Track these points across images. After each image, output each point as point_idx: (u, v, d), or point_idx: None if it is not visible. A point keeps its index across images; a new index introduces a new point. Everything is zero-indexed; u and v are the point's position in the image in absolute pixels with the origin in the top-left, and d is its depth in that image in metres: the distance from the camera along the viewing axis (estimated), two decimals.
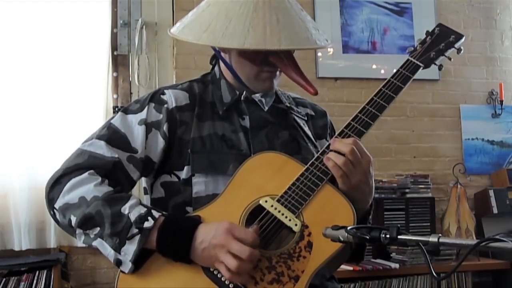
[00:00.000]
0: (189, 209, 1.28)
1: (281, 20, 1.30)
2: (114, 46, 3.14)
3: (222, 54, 1.38)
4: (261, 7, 1.29)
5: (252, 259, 1.12)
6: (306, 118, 1.48)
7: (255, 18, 1.28)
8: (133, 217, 1.16)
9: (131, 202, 1.19)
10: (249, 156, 1.29)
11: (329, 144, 1.26)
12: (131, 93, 3.13)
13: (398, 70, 1.33)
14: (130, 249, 1.16)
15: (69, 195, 1.20)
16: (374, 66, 3.45)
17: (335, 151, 1.23)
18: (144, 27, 3.15)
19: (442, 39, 1.36)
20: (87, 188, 1.20)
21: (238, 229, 1.15)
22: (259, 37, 1.26)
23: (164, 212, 1.20)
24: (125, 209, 1.17)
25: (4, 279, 2.57)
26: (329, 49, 3.39)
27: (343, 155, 1.21)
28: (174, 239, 1.16)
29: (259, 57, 1.32)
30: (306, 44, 1.34)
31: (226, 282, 1.15)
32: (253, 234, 1.14)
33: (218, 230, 1.14)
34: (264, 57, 1.32)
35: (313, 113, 1.51)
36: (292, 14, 1.33)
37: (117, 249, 1.16)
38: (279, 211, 1.20)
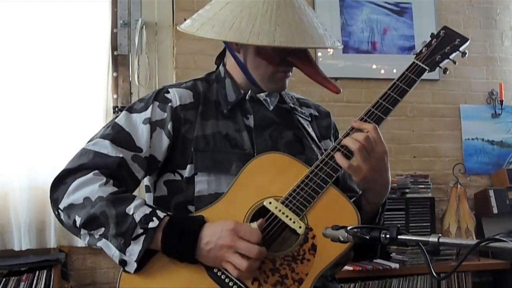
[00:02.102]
0: (191, 207, 1.28)
1: (303, 20, 1.32)
2: (114, 46, 3.14)
3: (236, 53, 1.38)
4: (283, 6, 1.30)
5: (259, 257, 1.13)
6: (309, 119, 1.48)
7: (280, 16, 1.29)
8: (138, 217, 1.16)
9: (136, 202, 1.19)
10: (252, 156, 1.29)
11: (338, 142, 1.26)
12: (131, 93, 3.13)
13: (404, 73, 1.33)
14: (135, 249, 1.15)
15: (73, 196, 1.20)
16: (374, 66, 3.45)
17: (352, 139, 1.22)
18: (144, 27, 3.15)
19: (447, 42, 1.36)
20: (92, 189, 1.19)
21: (243, 228, 1.15)
22: (287, 35, 1.27)
23: (169, 213, 1.20)
24: (130, 209, 1.17)
25: (4, 279, 2.57)
26: (329, 49, 3.39)
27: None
28: (179, 239, 1.16)
29: (277, 56, 1.33)
30: (327, 44, 1.35)
31: (229, 283, 1.16)
32: (258, 232, 1.14)
33: (224, 230, 1.14)
34: (282, 57, 1.33)
35: (316, 114, 1.51)
36: (310, 14, 1.35)
37: (122, 249, 1.16)
38: (283, 213, 1.20)
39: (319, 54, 3.36)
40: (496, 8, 3.72)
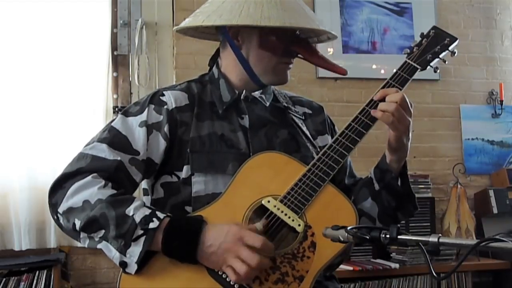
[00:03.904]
0: (188, 208, 1.29)
1: (304, 9, 1.36)
2: (114, 46, 3.13)
3: (237, 48, 1.38)
4: None
5: (259, 267, 1.13)
6: (303, 117, 1.49)
7: (284, 3, 1.33)
8: (138, 218, 1.16)
9: (135, 204, 1.19)
10: (248, 155, 1.30)
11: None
12: (131, 93, 3.13)
13: (396, 72, 1.35)
14: (135, 250, 1.15)
15: (72, 199, 1.20)
16: (374, 66, 3.45)
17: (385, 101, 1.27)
18: (144, 27, 3.15)
19: (437, 42, 1.38)
20: (91, 192, 1.19)
21: (249, 235, 1.14)
22: (295, 18, 1.30)
23: (168, 214, 1.20)
24: (130, 210, 1.17)
25: (4, 279, 2.57)
26: (329, 49, 3.39)
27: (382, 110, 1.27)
28: (180, 240, 1.16)
29: (281, 46, 1.35)
30: (327, 30, 1.39)
31: (231, 282, 1.16)
32: (263, 240, 1.14)
33: (228, 235, 1.14)
34: (286, 46, 1.35)
35: (310, 112, 1.52)
36: (305, 5, 1.40)
37: (122, 251, 1.16)
38: (282, 212, 1.21)
39: (319, 54, 3.35)
40: (496, 8, 3.72)
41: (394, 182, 1.34)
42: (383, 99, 1.29)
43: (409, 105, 1.28)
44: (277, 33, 1.33)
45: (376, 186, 1.37)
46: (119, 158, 1.26)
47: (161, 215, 1.18)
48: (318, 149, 1.40)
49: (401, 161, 1.34)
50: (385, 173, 1.35)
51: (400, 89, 1.31)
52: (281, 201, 1.22)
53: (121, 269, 1.18)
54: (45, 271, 2.63)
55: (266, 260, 1.14)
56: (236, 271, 1.12)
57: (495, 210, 3.26)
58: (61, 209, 1.21)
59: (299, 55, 1.39)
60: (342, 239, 1.03)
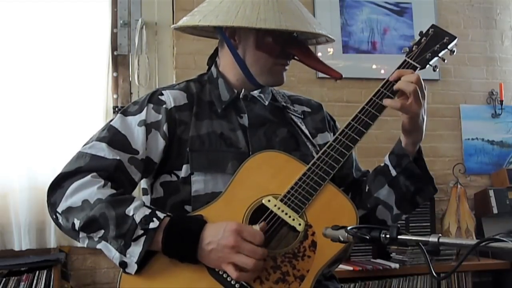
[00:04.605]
0: (188, 208, 1.28)
1: (302, 11, 1.36)
2: (114, 46, 3.14)
3: (234, 48, 1.38)
4: None
5: (263, 258, 1.13)
6: (302, 116, 1.49)
7: (281, 5, 1.33)
8: (138, 218, 1.16)
9: (135, 203, 1.19)
10: (248, 154, 1.30)
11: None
12: (131, 93, 3.13)
13: (396, 71, 1.34)
14: (135, 250, 1.15)
15: (72, 199, 1.20)
16: (374, 66, 3.45)
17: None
18: (144, 27, 3.15)
19: (436, 40, 1.38)
20: (90, 191, 1.19)
21: (247, 230, 1.15)
22: (291, 21, 1.30)
23: (168, 213, 1.20)
24: (130, 210, 1.17)
25: (4, 279, 2.57)
26: (329, 49, 3.39)
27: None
28: (180, 240, 1.15)
29: (277, 48, 1.35)
30: (324, 33, 1.38)
31: (232, 282, 1.16)
32: (261, 234, 1.15)
33: (226, 231, 1.14)
34: (282, 48, 1.35)
35: (309, 110, 1.52)
36: (303, 6, 1.39)
37: (122, 251, 1.16)
38: (282, 211, 1.21)
39: (319, 54, 3.36)
40: (496, 8, 3.72)
41: (412, 165, 1.34)
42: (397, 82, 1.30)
43: (424, 87, 1.29)
44: (273, 34, 1.33)
45: (393, 172, 1.36)
46: (118, 158, 1.26)
47: (161, 214, 1.18)
48: (318, 148, 1.40)
49: (416, 144, 1.36)
50: (402, 157, 1.35)
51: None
52: (282, 200, 1.22)
53: (121, 269, 1.18)
54: (45, 271, 2.63)
55: (266, 252, 1.14)
56: (242, 265, 1.12)
57: (495, 210, 3.26)
58: (60, 209, 1.21)
59: (295, 57, 1.39)
60: (342, 239, 1.03)
